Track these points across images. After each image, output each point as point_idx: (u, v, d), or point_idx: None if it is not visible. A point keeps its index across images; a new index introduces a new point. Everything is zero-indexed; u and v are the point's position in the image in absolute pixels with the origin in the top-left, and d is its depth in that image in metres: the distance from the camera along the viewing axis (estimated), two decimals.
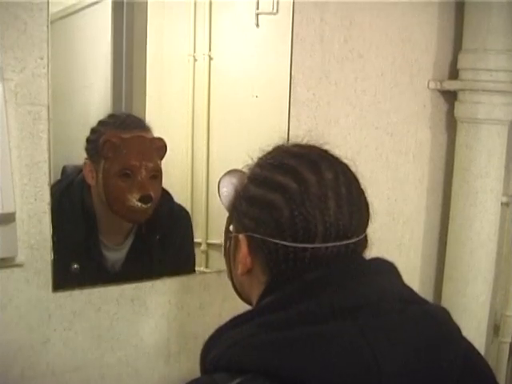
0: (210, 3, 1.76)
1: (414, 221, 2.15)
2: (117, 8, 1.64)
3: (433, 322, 0.93)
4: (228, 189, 1.08)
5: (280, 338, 0.85)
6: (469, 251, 2.06)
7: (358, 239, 0.99)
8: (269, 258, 0.98)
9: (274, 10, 1.79)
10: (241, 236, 1.01)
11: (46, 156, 1.43)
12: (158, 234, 1.70)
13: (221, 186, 1.10)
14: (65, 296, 1.51)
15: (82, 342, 1.56)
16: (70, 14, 1.60)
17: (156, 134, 1.64)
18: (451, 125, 2.12)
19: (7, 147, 1.33)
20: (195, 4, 1.75)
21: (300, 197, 0.95)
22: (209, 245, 1.86)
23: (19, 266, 1.43)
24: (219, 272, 1.73)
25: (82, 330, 1.55)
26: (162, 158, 1.62)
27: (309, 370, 0.82)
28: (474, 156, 2.02)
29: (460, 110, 2.04)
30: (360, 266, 0.99)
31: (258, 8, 1.80)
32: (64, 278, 1.52)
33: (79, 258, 1.57)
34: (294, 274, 0.95)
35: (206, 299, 1.71)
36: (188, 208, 1.80)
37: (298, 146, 1.07)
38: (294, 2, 1.75)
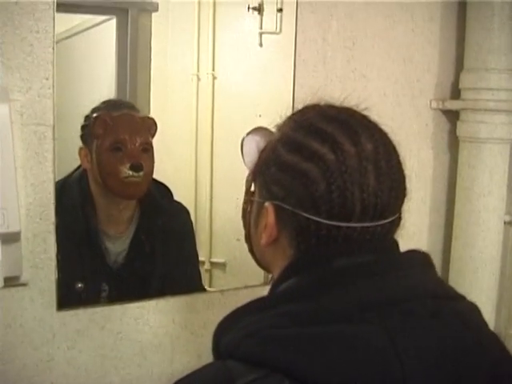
0: (214, 22, 1.78)
1: (417, 240, 2.14)
2: (121, 28, 1.65)
3: (465, 326, 0.88)
4: (252, 147, 1.01)
5: (304, 335, 0.80)
6: (472, 270, 2.05)
7: (393, 218, 0.93)
8: (298, 231, 0.91)
9: (278, 30, 1.81)
10: (267, 204, 0.94)
11: (51, 176, 1.44)
12: (159, 225, 1.71)
13: (244, 144, 1.04)
14: (69, 315, 1.52)
15: (86, 361, 1.56)
16: (74, 34, 1.62)
17: (160, 153, 1.65)
18: (453, 144, 2.13)
19: (13, 167, 1.34)
20: (199, 23, 1.77)
21: (338, 170, 0.87)
22: (212, 263, 1.87)
23: (24, 284, 1.44)
24: (223, 291, 1.73)
25: (86, 348, 1.55)
26: (152, 135, 1.63)
27: (331, 373, 0.77)
28: (477, 175, 2.02)
29: (462, 130, 2.05)
30: (394, 257, 0.93)
31: (261, 27, 1.81)
32: (68, 297, 1.52)
33: (82, 259, 1.60)
34: (323, 254, 0.90)
35: (209, 318, 1.71)
36: None
37: (335, 108, 0.99)
38: (296, 22, 1.76)
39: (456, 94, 2.09)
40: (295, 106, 1.76)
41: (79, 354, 1.54)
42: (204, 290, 1.81)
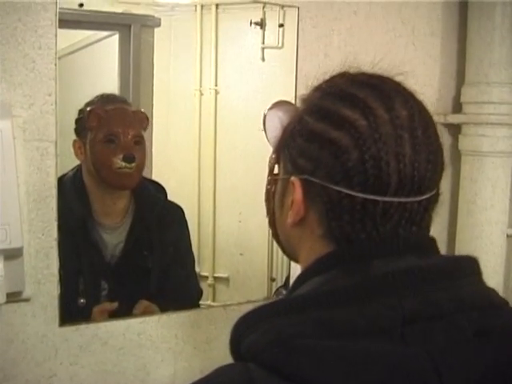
0: (216, 37, 1.79)
1: None
2: (123, 44, 1.66)
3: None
4: (274, 123, 0.94)
5: (336, 349, 0.72)
6: None
7: (431, 195, 0.85)
8: (328, 207, 0.82)
9: (280, 45, 1.82)
10: (293, 179, 0.85)
11: (54, 191, 1.44)
12: (155, 217, 1.73)
13: (266, 119, 0.99)
14: (71, 330, 1.52)
15: (89, 377, 1.55)
16: (77, 49, 1.63)
17: (163, 168, 1.66)
18: (455, 158, 2.13)
19: (15, 182, 1.34)
20: (201, 38, 1.78)
21: (371, 137, 0.79)
22: (216, 278, 1.86)
23: (26, 300, 1.44)
24: (226, 306, 1.73)
25: (89, 364, 1.55)
26: (144, 129, 1.66)
27: None
28: (479, 188, 2.02)
29: (464, 143, 2.05)
30: (441, 264, 0.83)
31: (263, 42, 1.82)
32: (70, 313, 1.52)
33: (80, 254, 1.62)
34: (359, 233, 0.81)
35: (212, 333, 1.71)
36: (195, 242, 1.81)
37: (366, 74, 0.90)
38: (298, 37, 1.77)
39: (457, 107, 2.09)
40: None
41: (82, 370, 1.54)
42: (200, 289, 1.84)
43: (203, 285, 1.83)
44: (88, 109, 1.59)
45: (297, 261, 0.93)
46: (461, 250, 2.09)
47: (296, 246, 0.91)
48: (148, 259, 1.71)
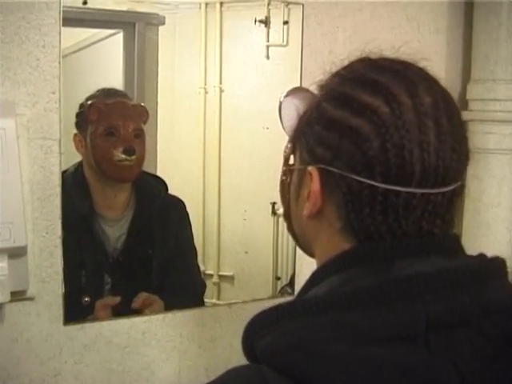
0: (221, 35, 1.78)
1: None
2: (128, 42, 1.66)
3: None
4: (290, 111, 0.90)
5: (358, 356, 0.68)
6: None
7: (456, 186, 0.81)
8: (348, 199, 0.78)
9: (284, 43, 1.81)
10: (311, 168, 0.82)
11: (58, 190, 1.44)
12: (156, 209, 1.75)
13: (282, 107, 0.93)
14: (76, 329, 1.52)
15: (93, 376, 1.55)
16: (82, 48, 1.62)
17: (167, 165, 1.67)
18: None
19: (19, 181, 1.34)
20: (206, 36, 1.77)
21: (394, 124, 0.76)
22: (220, 277, 1.86)
23: (30, 299, 1.44)
24: (230, 304, 1.73)
25: (93, 363, 1.55)
26: (144, 122, 1.66)
27: None
28: (485, 186, 2.01)
29: (470, 141, 2.04)
30: (469, 266, 0.78)
31: (268, 40, 1.81)
32: (75, 311, 1.52)
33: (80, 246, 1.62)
34: (380, 226, 0.77)
35: (217, 332, 1.71)
36: (199, 240, 1.81)
37: (388, 59, 0.87)
38: (302, 35, 1.76)
39: (463, 105, 2.08)
40: None
41: (86, 369, 1.54)
42: (203, 282, 1.84)
43: (208, 283, 1.82)
44: (89, 102, 1.59)
45: (312, 255, 0.90)
46: (466, 248, 2.08)
47: (312, 240, 0.88)
48: (149, 251, 1.72)
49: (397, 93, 0.78)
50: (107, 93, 1.63)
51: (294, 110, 0.89)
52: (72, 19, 1.47)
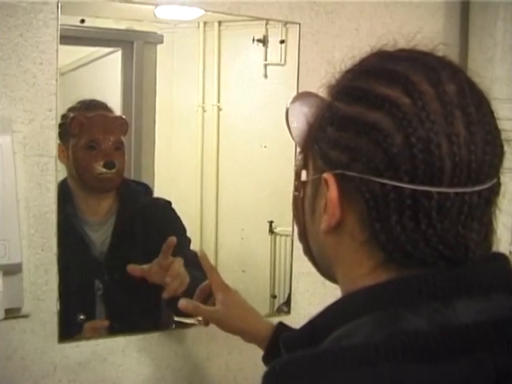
0: (219, 54, 1.79)
1: None
2: (126, 60, 1.67)
3: None
4: (299, 120, 0.82)
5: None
6: None
7: (492, 183, 0.72)
8: (371, 205, 0.68)
9: (282, 61, 1.82)
10: (326, 175, 0.72)
11: (54, 207, 1.45)
12: (138, 212, 1.75)
13: (289, 115, 0.86)
14: (70, 347, 1.51)
15: None
16: (80, 65, 1.63)
17: (165, 183, 1.68)
18: None
19: (15, 198, 1.34)
20: (204, 55, 1.78)
21: (417, 116, 0.67)
22: None
23: (25, 316, 1.43)
24: None
25: (88, 381, 1.54)
26: (124, 133, 1.67)
27: None
28: None
29: None
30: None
31: (266, 59, 1.82)
32: (70, 329, 1.52)
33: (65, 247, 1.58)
34: (411, 235, 0.68)
35: (212, 350, 1.70)
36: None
37: (403, 50, 0.79)
38: (299, 54, 1.77)
39: None
40: None
41: None
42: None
43: None
44: (71, 115, 1.60)
45: (334, 279, 0.80)
46: None
47: (333, 259, 0.78)
48: (134, 251, 1.72)
49: (417, 81, 0.70)
50: (88, 104, 1.64)
51: (302, 117, 0.82)
52: (70, 37, 1.47)
